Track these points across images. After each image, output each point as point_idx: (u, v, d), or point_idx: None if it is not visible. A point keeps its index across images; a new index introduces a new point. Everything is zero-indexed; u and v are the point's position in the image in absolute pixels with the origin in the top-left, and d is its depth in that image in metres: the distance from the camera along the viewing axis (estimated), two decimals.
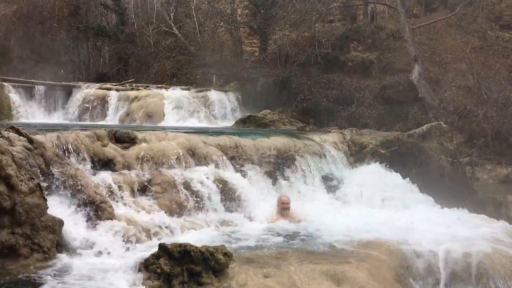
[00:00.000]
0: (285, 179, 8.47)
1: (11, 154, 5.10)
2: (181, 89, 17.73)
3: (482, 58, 15.36)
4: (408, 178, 8.96)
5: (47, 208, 5.21)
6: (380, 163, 9.36)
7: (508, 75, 14.54)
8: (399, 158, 9.53)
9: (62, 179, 5.85)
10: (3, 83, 14.56)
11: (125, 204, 6.40)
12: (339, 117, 15.99)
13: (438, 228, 6.75)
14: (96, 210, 5.86)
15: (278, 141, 8.94)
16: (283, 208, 7.36)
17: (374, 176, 8.86)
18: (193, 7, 24.49)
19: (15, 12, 22.33)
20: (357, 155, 9.79)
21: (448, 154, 10.01)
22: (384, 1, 20.60)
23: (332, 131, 10.96)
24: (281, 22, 20.06)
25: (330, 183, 8.86)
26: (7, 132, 5.52)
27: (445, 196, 8.78)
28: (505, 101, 12.74)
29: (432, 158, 9.73)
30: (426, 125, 10.46)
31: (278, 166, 8.60)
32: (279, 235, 6.51)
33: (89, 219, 5.77)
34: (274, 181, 8.37)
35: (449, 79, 15.93)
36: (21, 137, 5.61)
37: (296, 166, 8.69)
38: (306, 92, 16.84)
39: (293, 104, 16.77)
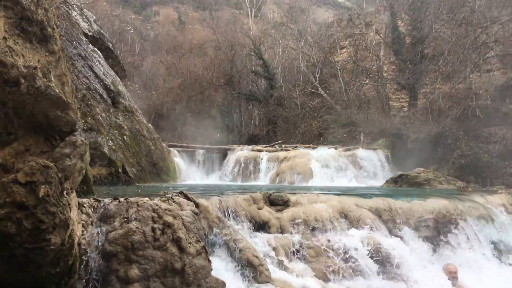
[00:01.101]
0: (447, 245, 7.81)
1: (182, 218, 5.58)
2: (328, 148, 17.88)
3: None
4: None
5: (211, 269, 5.51)
6: None
7: None
8: None
9: (223, 241, 6.19)
10: (170, 148, 16.28)
11: (280, 268, 6.48)
12: (505, 174, 14.45)
13: None
14: (254, 272, 6.03)
15: (436, 203, 8.35)
16: (451, 278, 6.74)
17: None
18: (338, 67, 25.03)
19: (180, 84, 25.29)
20: None
21: None
22: None
23: (499, 191, 9.91)
24: (431, 76, 19.30)
25: (501, 250, 7.91)
26: (177, 197, 6.08)
27: None
28: None
29: None
30: None
31: (438, 230, 7.98)
32: None
33: (247, 281, 5.96)
34: (435, 247, 7.76)
35: None
36: (189, 202, 6.12)
37: (459, 231, 7.97)
38: (464, 148, 15.68)
39: (449, 161, 15.70)
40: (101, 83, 11.98)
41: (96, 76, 11.86)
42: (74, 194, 4.37)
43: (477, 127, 16.22)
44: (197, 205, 6.26)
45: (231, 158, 17.83)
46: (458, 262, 7.42)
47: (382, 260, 7.04)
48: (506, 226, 8.28)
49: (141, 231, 5.14)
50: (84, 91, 10.87)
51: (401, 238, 7.63)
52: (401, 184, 12.83)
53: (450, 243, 7.82)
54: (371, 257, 6.99)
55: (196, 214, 6.01)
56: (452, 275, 6.86)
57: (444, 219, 8.06)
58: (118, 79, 13.72)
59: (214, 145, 19.43)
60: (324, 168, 16.28)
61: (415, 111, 20.45)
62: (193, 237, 5.55)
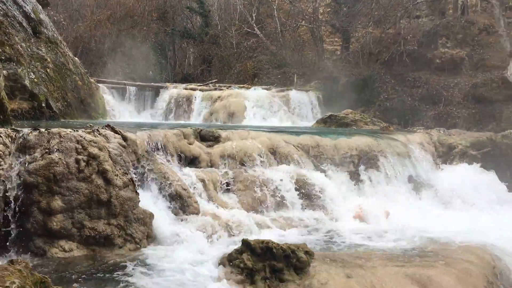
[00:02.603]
0: (367, 180, 8.30)
1: (108, 150, 5.48)
2: (262, 88, 17.97)
3: None
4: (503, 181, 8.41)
5: (139, 201, 5.53)
6: (470, 165, 8.86)
7: None
8: (492, 160, 8.96)
9: (152, 174, 6.18)
10: (99, 84, 15.61)
11: (209, 200, 6.63)
12: (425, 117, 15.36)
13: None
14: (183, 204, 6.14)
15: (360, 141, 8.77)
16: (364, 216, 7.23)
17: (465, 177, 8.39)
18: (274, 7, 24.71)
19: (109, 17, 23.87)
20: (445, 156, 9.35)
21: None
22: None
23: (418, 131, 10.53)
24: (364, 19, 19.62)
25: (415, 184, 8.55)
26: (104, 130, 5.93)
27: None
28: None
29: None
30: None
31: (361, 166, 8.43)
32: (362, 235, 6.40)
33: (176, 213, 6.06)
34: (356, 181, 8.23)
35: None
36: (116, 135, 6.00)
37: (379, 166, 8.48)
38: (390, 91, 16.37)
39: (376, 103, 16.37)
40: (20, 10, 11.06)
41: (14, 1, 10.91)
42: None
43: (403, 72, 16.92)
44: (124, 138, 6.14)
45: (164, 96, 17.45)
46: (376, 194, 7.95)
47: (307, 193, 7.38)
48: (421, 162, 8.90)
49: (64, 162, 5.00)
50: (0, 18, 10.01)
51: (326, 172, 8.01)
52: (330, 125, 13.25)
53: (370, 177, 8.31)
54: (297, 190, 7.31)
55: (124, 147, 5.92)
56: (362, 214, 7.28)
57: (366, 156, 8.50)
58: (40, 7, 12.71)
59: (146, 82, 18.86)
60: (257, 108, 16.42)
61: (347, 55, 20.86)
62: (120, 169, 5.49)
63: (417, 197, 8.37)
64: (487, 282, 5.07)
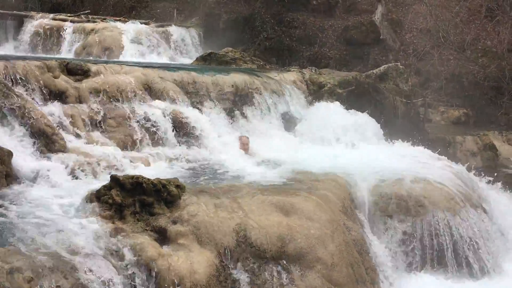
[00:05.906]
0: (243, 116, 8.50)
1: None
2: (140, 23, 17.09)
3: (442, 0, 15.43)
4: (366, 117, 9.12)
5: None
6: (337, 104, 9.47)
7: (467, 18, 14.74)
8: (355, 98, 9.66)
9: (10, 109, 5.70)
10: None
11: (77, 137, 6.32)
12: (301, 57, 15.95)
13: (387, 163, 7.08)
14: (47, 142, 5.79)
15: (236, 78, 8.86)
16: (243, 148, 7.47)
17: (331, 114, 8.99)
18: None
19: None
20: (315, 94, 9.85)
21: (403, 95, 10.25)
22: None
23: (292, 70, 10.94)
24: None
25: (287, 121, 8.97)
26: None
27: (397, 136, 9.04)
28: (461, 44, 12.97)
29: (387, 98, 9.93)
30: (383, 66, 10.60)
31: (236, 103, 8.58)
32: (234, 170, 6.64)
33: (39, 151, 5.71)
34: (232, 117, 8.38)
35: (411, 21, 16.01)
36: None
37: (254, 103, 8.70)
38: (270, 31, 16.59)
39: (256, 42, 16.53)
40: None
41: None
42: None
43: (282, 12, 17.18)
44: None
45: (29, 26, 15.82)
46: (251, 131, 8.21)
47: (183, 129, 7.38)
48: (293, 100, 9.32)
49: None
50: None
51: (203, 109, 8.02)
52: (210, 62, 13.11)
53: (246, 114, 8.53)
54: (173, 127, 7.26)
55: None
56: (245, 146, 7.58)
57: (242, 93, 8.66)
58: None
59: (7, 10, 16.85)
60: (135, 44, 15.65)
61: None
62: None
63: (290, 132, 8.81)
64: (342, 207, 5.65)
